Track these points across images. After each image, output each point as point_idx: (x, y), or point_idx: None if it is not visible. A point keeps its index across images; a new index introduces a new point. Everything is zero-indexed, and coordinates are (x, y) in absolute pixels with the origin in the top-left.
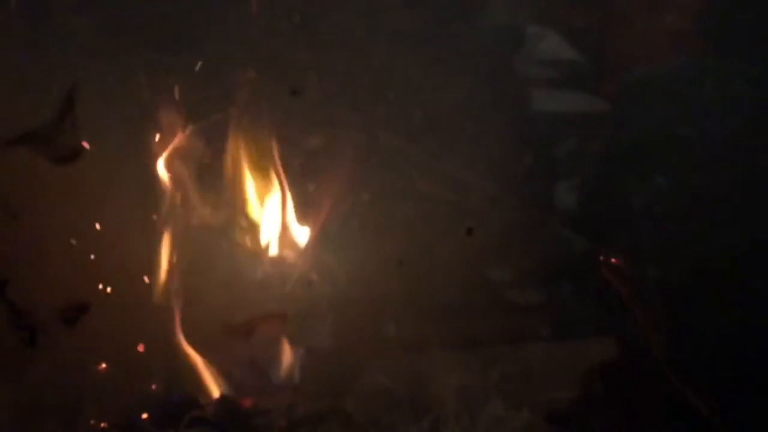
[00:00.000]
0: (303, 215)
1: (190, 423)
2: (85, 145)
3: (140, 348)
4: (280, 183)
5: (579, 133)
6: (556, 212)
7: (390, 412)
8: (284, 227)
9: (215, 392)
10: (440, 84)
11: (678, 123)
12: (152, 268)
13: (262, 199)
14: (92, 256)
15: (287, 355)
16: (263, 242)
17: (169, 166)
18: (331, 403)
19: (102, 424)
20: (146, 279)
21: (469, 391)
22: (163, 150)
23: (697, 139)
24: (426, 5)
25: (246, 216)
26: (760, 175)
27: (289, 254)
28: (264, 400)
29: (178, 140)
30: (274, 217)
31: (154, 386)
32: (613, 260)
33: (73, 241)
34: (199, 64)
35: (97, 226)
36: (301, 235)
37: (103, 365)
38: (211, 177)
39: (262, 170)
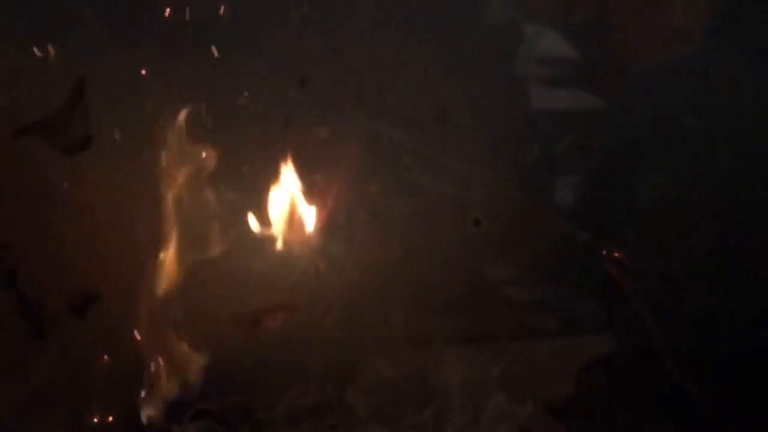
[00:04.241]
0: (311, 205)
1: (195, 416)
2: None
3: (147, 340)
4: (288, 173)
5: (582, 128)
6: (559, 207)
7: (393, 403)
8: (292, 217)
9: (220, 385)
10: (447, 77)
11: (681, 117)
12: (160, 258)
13: (270, 189)
14: (101, 247)
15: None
16: (271, 233)
17: (177, 157)
18: (334, 395)
19: (108, 418)
20: (154, 270)
21: (472, 384)
22: (172, 140)
23: (700, 133)
24: None
25: (254, 206)
26: (763, 169)
27: (297, 245)
28: (268, 393)
29: (187, 130)
30: (281, 207)
31: (160, 379)
32: (616, 254)
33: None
34: (208, 53)
35: (106, 216)
36: (309, 225)
37: (111, 357)
38: (220, 167)
39: (270, 160)
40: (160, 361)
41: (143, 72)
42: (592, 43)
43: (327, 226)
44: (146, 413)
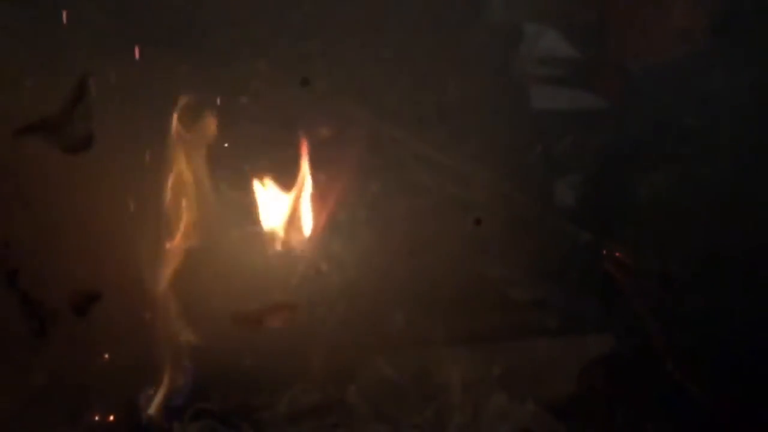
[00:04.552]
0: (313, 205)
1: (196, 415)
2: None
3: (148, 339)
4: (290, 172)
5: (583, 128)
6: (560, 207)
7: (394, 402)
8: (293, 217)
9: (222, 384)
10: (449, 77)
11: (681, 116)
12: (162, 257)
13: (271, 188)
14: (103, 246)
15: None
16: (273, 232)
17: (179, 156)
18: (335, 394)
19: (110, 417)
20: (156, 269)
21: (473, 384)
22: (174, 140)
23: (701, 132)
24: None
25: (255, 205)
26: (764, 169)
27: (298, 244)
28: (269, 392)
29: (189, 130)
30: (283, 206)
31: (161, 378)
32: (616, 254)
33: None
34: (211, 54)
35: (108, 215)
36: (311, 224)
37: (112, 356)
38: (221, 167)
39: (271, 160)
40: (162, 359)
41: (145, 72)
42: (594, 43)
43: (328, 225)
44: (147, 412)
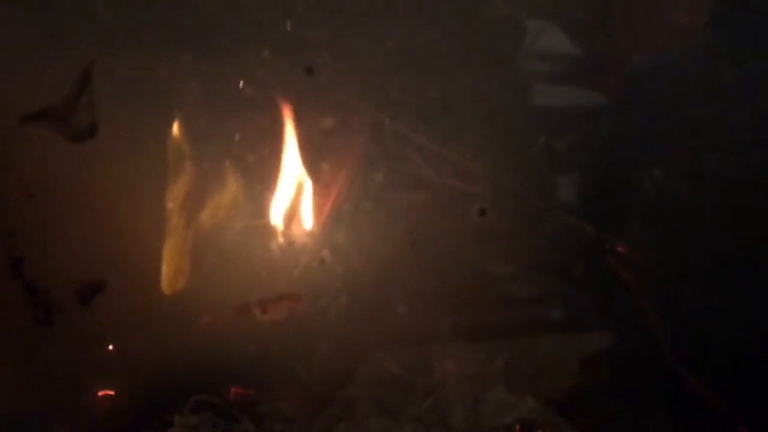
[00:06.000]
0: (316, 196)
1: (195, 407)
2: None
3: (151, 329)
4: (293, 163)
5: (587, 122)
6: (563, 201)
7: (396, 396)
8: (296, 207)
9: (223, 376)
10: (453, 69)
11: (686, 110)
12: (166, 247)
13: (275, 178)
14: (108, 235)
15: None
16: (276, 222)
17: (184, 146)
18: (338, 386)
19: (111, 407)
20: (159, 259)
21: (475, 378)
22: (179, 130)
23: (705, 128)
24: None
25: (258, 196)
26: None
27: (301, 235)
28: (271, 385)
29: (193, 120)
30: (286, 197)
31: (164, 369)
32: (619, 248)
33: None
34: (215, 42)
35: (112, 204)
36: (314, 216)
37: (116, 346)
38: (226, 157)
39: (276, 150)
40: (164, 350)
41: (148, 61)
42: (599, 38)
43: (332, 216)
44: (148, 403)
